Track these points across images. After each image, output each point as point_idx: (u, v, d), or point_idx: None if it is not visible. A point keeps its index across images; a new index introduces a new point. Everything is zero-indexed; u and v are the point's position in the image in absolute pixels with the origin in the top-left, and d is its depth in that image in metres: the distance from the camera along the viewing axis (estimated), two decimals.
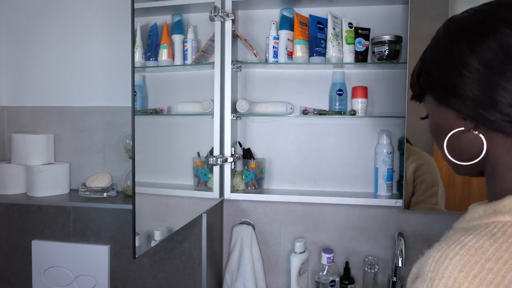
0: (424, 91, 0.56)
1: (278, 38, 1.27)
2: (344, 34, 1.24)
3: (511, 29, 0.44)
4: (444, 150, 0.54)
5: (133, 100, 0.87)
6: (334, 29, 1.23)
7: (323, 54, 1.25)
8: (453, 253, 0.42)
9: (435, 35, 0.54)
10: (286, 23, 1.27)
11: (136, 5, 0.87)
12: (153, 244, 1.04)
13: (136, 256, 0.90)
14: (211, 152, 1.28)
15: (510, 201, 0.45)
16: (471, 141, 0.50)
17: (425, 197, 1.16)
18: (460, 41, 0.48)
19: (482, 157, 0.49)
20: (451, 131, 0.52)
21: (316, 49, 1.24)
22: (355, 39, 1.24)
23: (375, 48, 1.21)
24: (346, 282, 1.25)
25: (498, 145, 0.48)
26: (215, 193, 1.29)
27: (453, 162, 0.54)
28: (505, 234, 0.42)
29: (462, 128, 0.50)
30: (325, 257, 1.22)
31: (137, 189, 0.90)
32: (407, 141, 1.17)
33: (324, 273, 1.22)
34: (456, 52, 0.48)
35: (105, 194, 1.33)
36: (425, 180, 1.16)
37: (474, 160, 0.50)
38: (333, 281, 1.23)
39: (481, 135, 0.48)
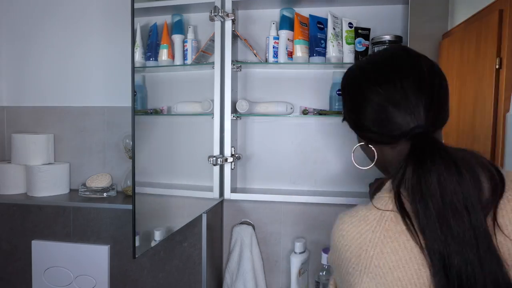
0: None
1: (278, 38, 1.26)
2: (344, 34, 1.24)
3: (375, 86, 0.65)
4: (352, 158, 0.78)
5: (133, 100, 0.88)
6: (334, 29, 1.23)
7: (323, 54, 1.25)
8: (345, 215, 0.63)
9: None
10: (286, 23, 1.26)
11: (136, 5, 0.87)
12: (153, 244, 1.04)
13: (136, 256, 0.91)
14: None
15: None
16: (370, 151, 0.72)
17: None
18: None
19: (376, 160, 0.71)
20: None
21: (316, 49, 1.24)
22: (355, 39, 1.24)
23: (375, 48, 1.21)
24: None
25: (383, 151, 0.70)
26: (215, 193, 1.29)
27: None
28: (373, 207, 0.61)
29: (362, 143, 0.73)
30: (325, 257, 1.22)
31: (137, 189, 0.90)
32: None
33: (324, 273, 1.22)
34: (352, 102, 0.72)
35: (105, 194, 1.33)
36: None
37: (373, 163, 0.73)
38: None
39: (372, 147, 0.71)
